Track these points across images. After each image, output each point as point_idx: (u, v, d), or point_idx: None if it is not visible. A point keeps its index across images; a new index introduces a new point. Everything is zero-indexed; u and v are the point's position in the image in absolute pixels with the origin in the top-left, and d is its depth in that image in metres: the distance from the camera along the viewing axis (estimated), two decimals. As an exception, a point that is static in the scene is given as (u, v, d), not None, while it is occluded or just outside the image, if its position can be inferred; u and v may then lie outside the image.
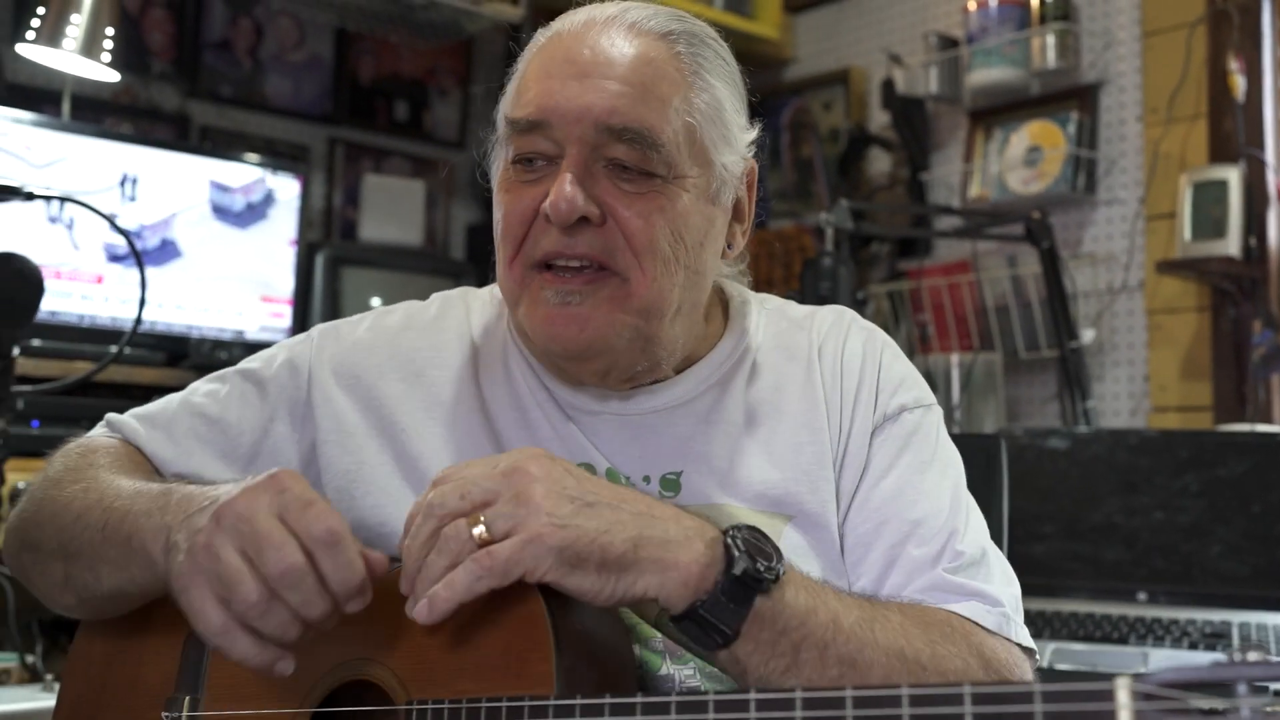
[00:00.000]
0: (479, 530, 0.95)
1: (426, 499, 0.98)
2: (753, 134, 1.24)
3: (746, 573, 0.96)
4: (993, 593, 1.13)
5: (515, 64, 1.21)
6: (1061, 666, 2.14)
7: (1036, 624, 2.28)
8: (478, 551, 0.95)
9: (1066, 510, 2.40)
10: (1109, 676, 0.70)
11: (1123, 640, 2.18)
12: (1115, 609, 2.26)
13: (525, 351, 1.25)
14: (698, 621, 0.97)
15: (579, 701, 0.92)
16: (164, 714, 1.14)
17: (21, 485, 2.24)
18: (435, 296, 1.36)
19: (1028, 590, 2.49)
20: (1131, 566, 2.32)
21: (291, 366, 1.28)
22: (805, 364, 1.24)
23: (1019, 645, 1.13)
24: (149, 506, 1.07)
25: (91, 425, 2.36)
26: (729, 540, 0.98)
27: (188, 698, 1.14)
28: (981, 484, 1.78)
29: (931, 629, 1.07)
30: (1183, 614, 2.20)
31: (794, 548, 1.15)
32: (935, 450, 1.22)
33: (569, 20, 1.19)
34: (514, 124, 1.15)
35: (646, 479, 1.20)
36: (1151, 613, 2.22)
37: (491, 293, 1.33)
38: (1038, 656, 1.18)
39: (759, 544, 0.99)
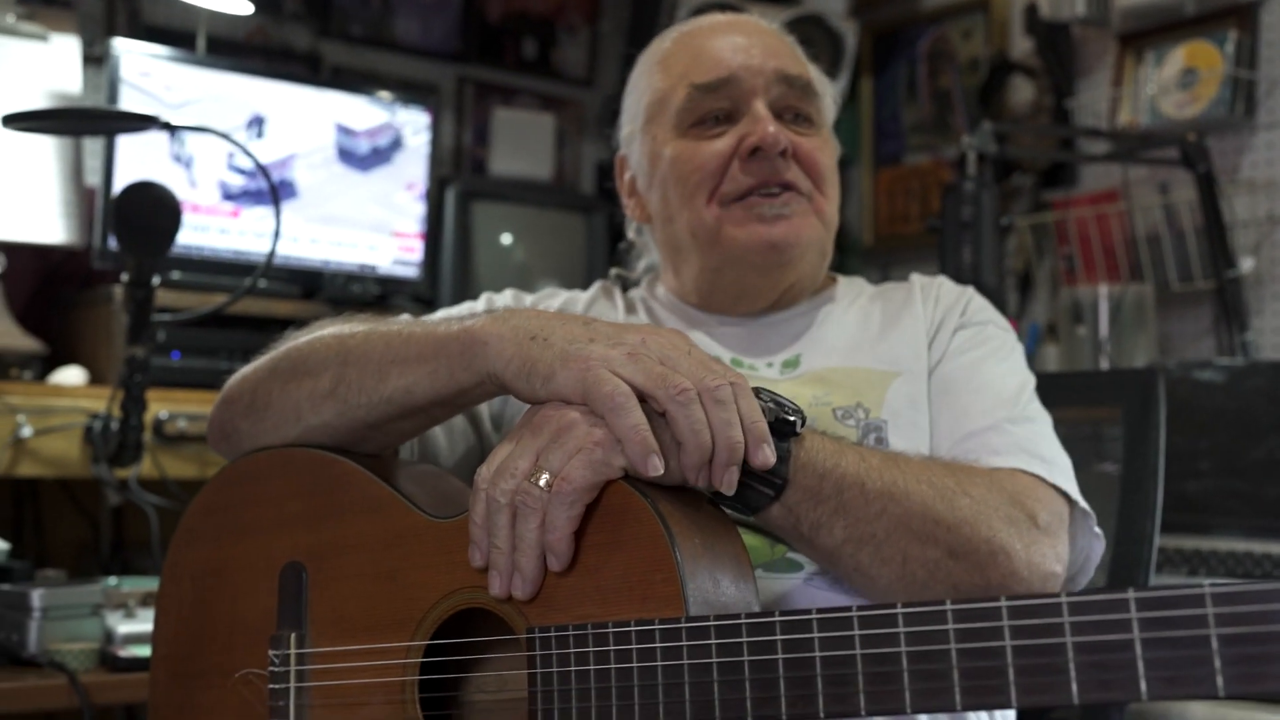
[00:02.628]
0: (544, 479, 0.94)
1: (480, 502, 0.97)
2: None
3: (778, 419, 0.99)
4: (1040, 451, 1.18)
5: (637, 69, 1.43)
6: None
7: (1192, 562, 2.18)
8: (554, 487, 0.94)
9: (1223, 446, 2.29)
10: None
11: (1286, 579, 2.08)
12: (1276, 547, 2.15)
13: (660, 297, 1.44)
14: (752, 476, 0.98)
15: (713, 623, 0.88)
16: (271, 653, 1.10)
17: (164, 415, 2.27)
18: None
19: (1182, 528, 2.38)
20: (1294, 504, 2.21)
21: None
22: (906, 293, 1.39)
23: (1059, 490, 1.16)
24: (480, 319, 1.06)
25: (231, 357, 2.41)
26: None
27: (293, 634, 1.09)
28: (1137, 419, 1.69)
29: (952, 465, 1.12)
30: (1350, 553, 2.08)
31: (902, 394, 1.26)
32: (1011, 357, 1.32)
33: (698, 20, 1.41)
34: (700, 87, 1.33)
35: (770, 364, 1.33)
36: (1316, 551, 2.11)
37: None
38: (1092, 514, 1.19)
39: (777, 398, 1.02)
